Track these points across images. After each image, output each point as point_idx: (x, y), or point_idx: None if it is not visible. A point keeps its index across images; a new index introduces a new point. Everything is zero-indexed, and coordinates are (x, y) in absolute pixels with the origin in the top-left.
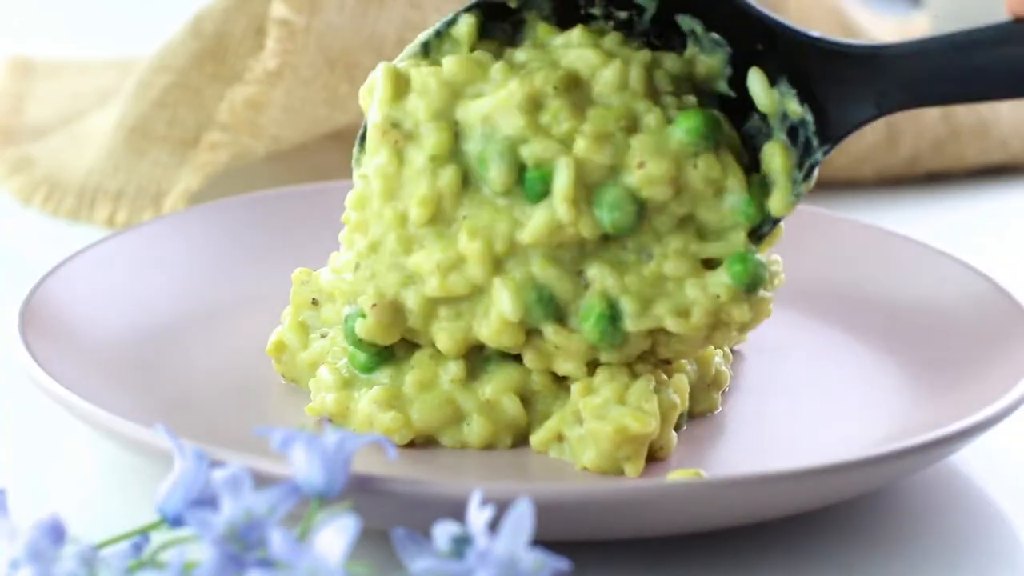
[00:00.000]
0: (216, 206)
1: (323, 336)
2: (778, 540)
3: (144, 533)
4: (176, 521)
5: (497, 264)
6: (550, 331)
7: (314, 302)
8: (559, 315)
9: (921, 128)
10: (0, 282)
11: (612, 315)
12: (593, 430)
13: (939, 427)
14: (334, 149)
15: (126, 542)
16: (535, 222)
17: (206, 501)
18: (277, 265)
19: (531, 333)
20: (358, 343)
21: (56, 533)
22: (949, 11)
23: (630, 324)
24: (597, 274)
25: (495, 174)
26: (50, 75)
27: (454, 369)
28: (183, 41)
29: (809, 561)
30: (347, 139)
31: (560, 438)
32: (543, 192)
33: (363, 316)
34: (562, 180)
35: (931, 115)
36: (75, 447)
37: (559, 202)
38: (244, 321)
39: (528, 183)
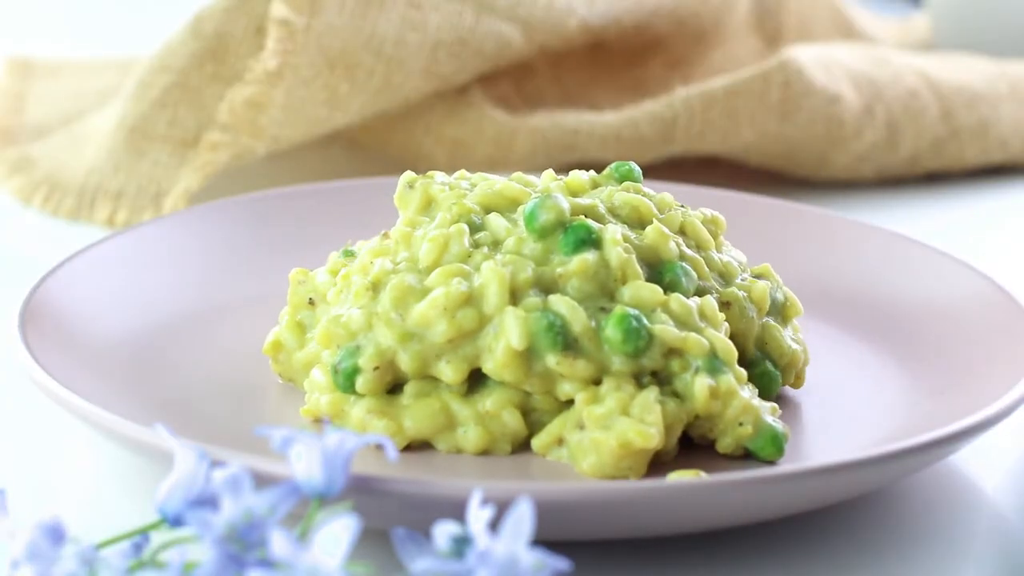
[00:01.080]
0: (216, 206)
1: None
2: (778, 540)
3: (144, 533)
4: (176, 521)
5: (514, 294)
6: (553, 361)
7: (311, 302)
8: (566, 344)
9: (921, 128)
10: (0, 282)
11: (635, 316)
12: (595, 440)
13: (939, 427)
14: (334, 149)
15: (126, 542)
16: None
17: (206, 501)
18: (277, 265)
19: (534, 363)
20: (350, 390)
21: (56, 533)
22: (949, 11)
23: (656, 328)
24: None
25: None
26: (50, 75)
27: (453, 367)
28: (183, 41)
29: (809, 561)
30: (346, 139)
31: (560, 442)
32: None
33: (360, 372)
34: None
35: (931, 115)
36: (75, 447)
37: (611, 246)
38: (244, 321)
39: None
